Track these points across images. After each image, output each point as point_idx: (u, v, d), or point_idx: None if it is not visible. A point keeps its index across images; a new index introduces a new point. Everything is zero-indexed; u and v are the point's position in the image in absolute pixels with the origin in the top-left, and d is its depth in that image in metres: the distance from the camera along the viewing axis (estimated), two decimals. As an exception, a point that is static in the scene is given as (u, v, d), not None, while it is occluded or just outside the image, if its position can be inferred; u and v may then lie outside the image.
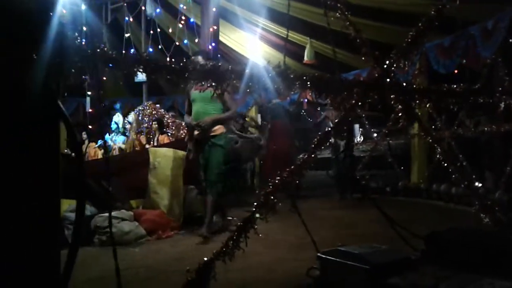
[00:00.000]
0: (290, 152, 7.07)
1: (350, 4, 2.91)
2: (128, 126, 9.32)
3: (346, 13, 2.80)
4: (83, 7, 8.53)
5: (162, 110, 9.78)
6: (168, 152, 5.40)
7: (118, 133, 9.37)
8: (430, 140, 2.92)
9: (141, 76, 8.47)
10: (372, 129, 9.64)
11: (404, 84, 2.87)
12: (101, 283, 3.04)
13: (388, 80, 2.70)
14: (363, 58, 2.86)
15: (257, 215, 2.35)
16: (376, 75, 2.77)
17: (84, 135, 9.09)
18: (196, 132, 4.57)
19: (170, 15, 9.37)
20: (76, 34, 2.09)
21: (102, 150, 8.16)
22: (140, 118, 9.23)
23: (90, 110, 9.66)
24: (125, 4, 9.16)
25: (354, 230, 4.73)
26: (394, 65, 2.73)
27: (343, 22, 2.82)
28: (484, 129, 6.47)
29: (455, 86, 2.98)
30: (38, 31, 1.69)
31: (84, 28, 8.42)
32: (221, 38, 8.22)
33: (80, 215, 1.91)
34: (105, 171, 4.09)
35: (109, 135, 9.34)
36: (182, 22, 8.60)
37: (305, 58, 8.77)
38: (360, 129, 10.46)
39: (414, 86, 3.12)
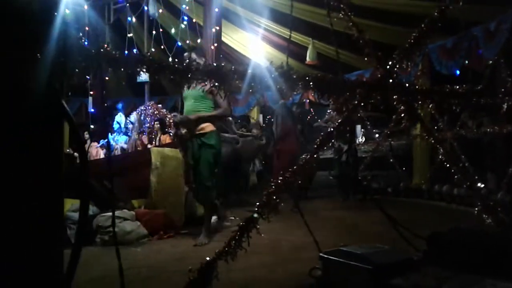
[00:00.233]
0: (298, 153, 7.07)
1: (353, 5, 2.91)
2: (130, 126, 9.33)
3: (349, 14, 2.81)
4: (86, 7, 8.55)
5: (164, 110, 9.79)
6: (170, 152, 5.41)
7: (120, 133, 9.38)
8: (432, 141, 2.91)
9: (143, 76, 8.49)
10: (374, 130, 9.64)
11: (407, 85, 2.87)
12: (103, 282, 3.04)
13: (390, 81, 2.70)
14: (365, 59, 2.86)
15: (259, 215, 2.35)
16: (379, 75, 2.77)
17: (86, 135, 9.11)
18: (183, 131, 4.46)
19: (172, 15, 9.38)
20: (80, 33, 2.09)
21: (104, 150, 8.17)
22: (142, 118, 9.25)
23: (93, 110, 9.67)
24: (127, 4, 9.18)
25: (356, 231, 4.73)
26: (397, 66, 2.74)
27: (346, 23, 2.83)
28: (487, 130, 6.47)
29: (457, 87, 2.98)
30: (41, 31, 1.70)
31: (87, 28, 8.44)
32: (223, 39, 8.24)
33: (84, 215, 1.92)
34: (107, 171, 4.10)
35: (111, 135, 9.35)
36: (185, 22, 8.61)
37: (307, 59, 8.79)
38: (362, 129, 10.45)
39: (417, 87, 3.12)
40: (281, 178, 2.48)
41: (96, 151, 8.70)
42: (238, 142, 7.46)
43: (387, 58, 2.77)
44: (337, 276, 2.43)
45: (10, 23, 1.63)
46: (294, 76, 2.53)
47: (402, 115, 2.81)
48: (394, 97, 2.74)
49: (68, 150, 6.29)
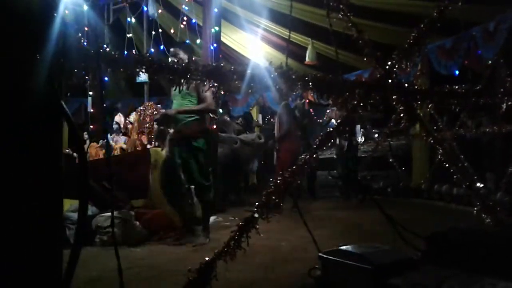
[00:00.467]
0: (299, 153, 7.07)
1: (353, 5, 2.91)
2: (129, 126, 9.32)
3: (349, 14, 2.81)
4: (85, 7, 8.55)
5: (163, 110, 9.75)
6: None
7: (119, 133, 9.37)
8: (432, 141, 2.92)
9: (143, 77, 8.48)
10: (373, 130, 9.65)
11: (406, 85, 2.87)
12: (102, 283, 3.04)
13: (390, 81, 2.70)
14: (365, 59, 2.86)
15: (259, 215, 2.35)
16: (378, 76, 2.78)
17: (86, 135, 9.10)
18: (171, 131, 4.40)
19: (172, 15, 9.38)
20: (79, 34, 2.10)
21: (104, 150, 8.16)
22: (141, 118, 9.23)
23: (92, 110, 9.66)
24: (127, 5, 9.17)
25: (356, 230, 4.74)
26: (396, 66, 2.74)
27: (345, 23, 2.83)
28: (486, 130, 6.48)
29: (456, 87, 2.98)
30: (41, 32, 1.70)
31: (86, 29, 8.44)
32: (222, 39, 8.23)
33: (83, 215, 1.92)
34: (106, 171, 4.09)
35: (111, 135, 9.34)
36: (184, 23, 8.60)
37: (307, 59, 8.79)
38: (361, 129, 10.45)
39: (416, 87, 3.12)
40: (280, 178, 2.48)
41: (96, 151, 8.69)
42: (237, 142, 7.47)
43: (386, 58, 2.77)
44: (336, 276, 2.43)
45: (9, 24, 1.63)
46: (294, 77, 2.53)
47: (402, 115, 2.81)
48: (394, 97, 2.74)
49: (67, 151, 6.29)
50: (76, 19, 8.13)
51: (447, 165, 2.78)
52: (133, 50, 8.64)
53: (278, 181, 2.46)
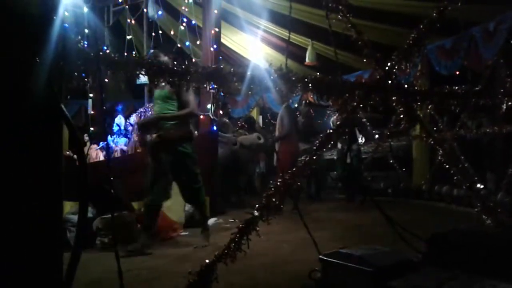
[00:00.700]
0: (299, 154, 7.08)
1: (352, 6, 2.91)
2: (130, 128, 9.32)
3: (348, 15, 2.81)
4: (85, 9, 8.55)
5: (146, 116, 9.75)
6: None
7: (120, 135, 9.37)
8: (432, 142, 2.91)
9: (143, 79, 8.48)
10: (373, 131, 9.64)
11: (406, 85, 2.87)
12: (103, 285, 3.04)
13: (389, 82, 2.70)
14: (364, 60, 2.86)
15: (259, 217, 2.35)
16: (378, 77, 2.78)
17: (86, 137, 9.10)
18: (154, 135, 4.24)
19: (171, 17, 9.39)
20: (79, 36, 2.10)
21: (104, 152, 8.16)
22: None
23: (92, 112, 9.67)
24: (127, 7, 9.17)
25: (356, 232, 4.73)
26: (396, 67, 2.74)
27: (345, 24, 2.83)
28: (486, 130, 6.47)
29: (456, 87, 2.98)
30: (40, 35, 1.70)
31: (86, 31, 8.44)
32: (222, 40, 8.23)
33: (83, 217, 1.92)
34: (107, 173, 4.09)
35: (111, 137, 9.34)
36: (184, 24, 8.60)
37: (307, 59, 8.79)
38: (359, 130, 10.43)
39: (416, 87, 3.12)
40: (280, 180, 2.48)
41: (96, 153, 8.69)
42: (236, 143, 7.46)
43: (386, 59, 2.77)
44: (336, 278, 2.43)
45: (9, 26, 1.63)
46: (293, 78, 2.53)
47: (402, 116, 2.81)
48: (394, 98, 2.74)
49: (68, 153, 6.29)
50: (76, 21, 8.13)
51: (447, 166, 2.78)
52: (133, 52, 8.64)
53: (278, 183, 2.46)
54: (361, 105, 2.69)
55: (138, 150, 7.72)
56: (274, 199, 2.38)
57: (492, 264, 2.11)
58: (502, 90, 3.44)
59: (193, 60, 7.62)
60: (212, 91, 5.99)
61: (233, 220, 5.45)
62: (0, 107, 1.62)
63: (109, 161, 4.68)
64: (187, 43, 8.84)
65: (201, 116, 6.91)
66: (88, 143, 8.43)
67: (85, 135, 9.37)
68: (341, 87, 2.72)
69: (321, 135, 2.68)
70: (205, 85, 2.63)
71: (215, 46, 6.73)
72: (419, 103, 2.92)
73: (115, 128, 9.28)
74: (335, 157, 8.48)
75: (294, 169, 2.55)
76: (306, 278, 2.63)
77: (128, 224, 4.44)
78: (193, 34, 8.53)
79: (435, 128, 6.93)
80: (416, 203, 7.09)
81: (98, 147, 8.49)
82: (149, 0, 8.50)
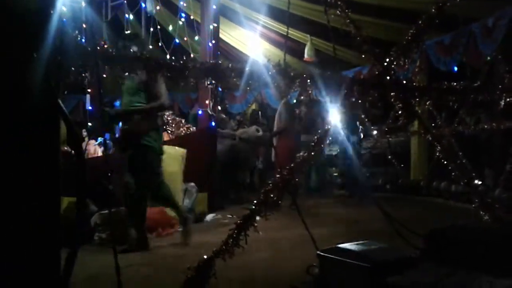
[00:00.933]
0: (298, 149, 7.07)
1: (351, 1, 2.90)
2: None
3: (346, 10, 2.80)
4: (83, 4, 8.51)
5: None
6: (168, 149, 5.39)
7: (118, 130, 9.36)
8: (430, 138, 2.92)
9: (141, 73, 8.45)
10: (372, 127, 9.63)
11: (404, 81, 2.87)
12: (101, 280, 3.04)
13: (388, 77, 2.70)
14: (363, 56, 2.85)
15: (257, 213, 2.35)
16: (377, 72, 2.77)
17: (84, 133, 9.08)
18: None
19: (170, 12, 9.35)
20: (76, 31, 2.09)
21: (102, 148, 8.15)
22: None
23: (90, 108, 9.64)
24: (125, 1, 9.13)
25: (355, 228, 4.74)
26: (394, 63, 2.73)
27: (344, 19, 2.82)
28: (484, 126, 6.47)
29: (455, 83, 2.98)
30: (38, 30, 1.69)
31: (84, 26, 8.40)
32: (221, 36, 8.21)
33: (81, 213, 1.91)
34: (105, 169, 4.07)
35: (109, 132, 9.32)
36: (182, 19, 8.57)
37: (305, 55, 8.77)
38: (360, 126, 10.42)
39: (414, 83, 3.12)
40: (278, 175, 2.48)
41: (94, 149, 8.68)
42: (235, 138, 7.45)
43: (384, 55, 2.77)
44: (334, 274, 2.43)
45: (7, 22, 1.62)
46: (292, 74, 2.53)
47: (400, 112, 2.81)
48: (392, 94, 2.74)
49: (66, 148, 6.27)
50: (74, 16, 8.09)
51: (445, 162, 2.78)
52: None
53: (276, 179, 2.46)
54: (360, 101, 2.69)
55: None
56: (272, 195, 2.38)
57: (490, 260, 2.12)
58: (500, 86, 3.44)
59: (192, 55, 7.59)
60: (210, 86, 5.95)
61: (231, 216, 5.45)
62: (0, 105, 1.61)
63: (107, 156, 4.61)
64: (185, 39, 8.81)
65: (199, 112, 6.92)
66: (86, 139, 8.41)
67: (83, 130, 9.35)
68: (340, 83, 2.72)
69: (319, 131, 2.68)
70: (203, 81, 2.62)
71: (213, 42, 6.71)
72: (417, 99, 2.92)
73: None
74: (333, 153, 8.48)
75: (292, 164, 2.55)
76: (304, 274, 2.63)
77: (126, 220, 4.43)
78: (192, 29, 8.51)
79: (433, 124, 6.93)
80: (414, 199, 7.10)
81: (96, 143, 8.47)
82: (147, -5, 8.46)
